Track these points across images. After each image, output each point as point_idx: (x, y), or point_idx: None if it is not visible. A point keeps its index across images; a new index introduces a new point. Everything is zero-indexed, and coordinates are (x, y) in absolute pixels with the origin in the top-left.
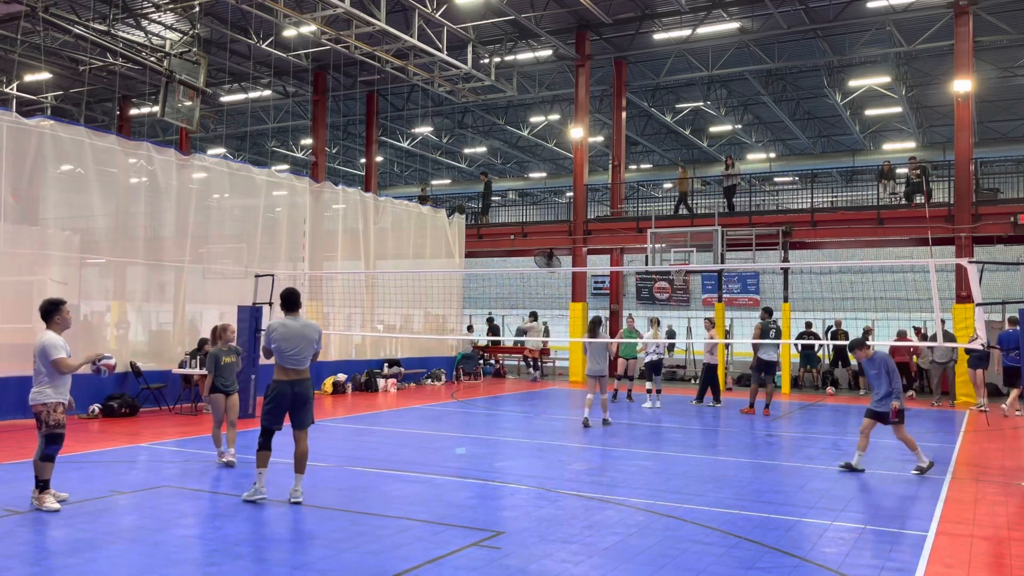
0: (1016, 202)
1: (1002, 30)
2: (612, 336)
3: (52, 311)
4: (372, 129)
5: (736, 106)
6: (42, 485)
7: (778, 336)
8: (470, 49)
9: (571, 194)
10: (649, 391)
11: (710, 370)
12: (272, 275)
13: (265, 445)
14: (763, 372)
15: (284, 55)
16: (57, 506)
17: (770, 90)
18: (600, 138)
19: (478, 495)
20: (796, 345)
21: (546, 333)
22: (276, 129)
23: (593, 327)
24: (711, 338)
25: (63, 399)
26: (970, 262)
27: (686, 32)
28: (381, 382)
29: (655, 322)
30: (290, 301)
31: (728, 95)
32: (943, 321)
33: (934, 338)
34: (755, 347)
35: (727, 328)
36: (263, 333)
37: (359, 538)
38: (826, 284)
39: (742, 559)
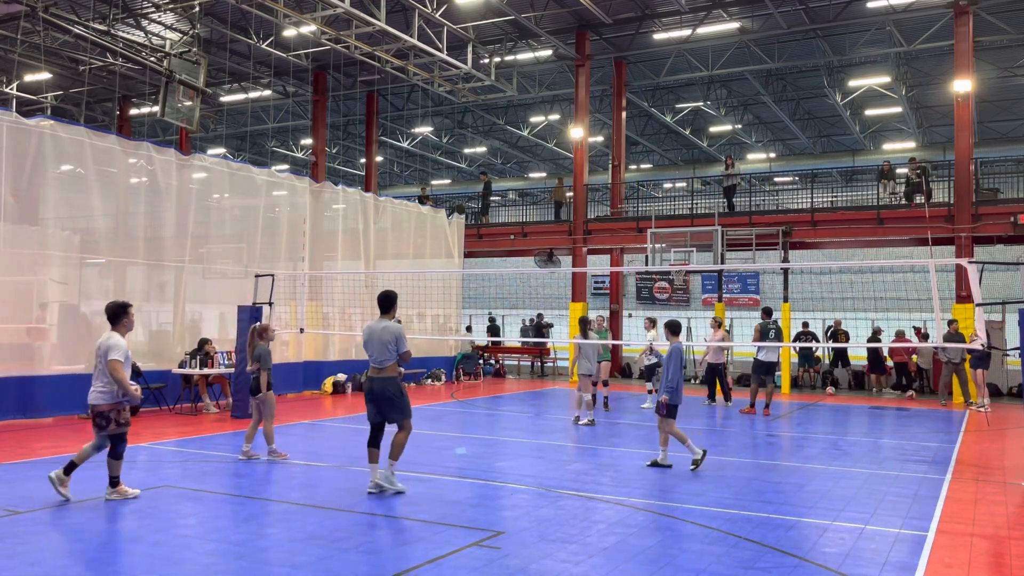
0: (1016, 202)
1: (1002, 30)
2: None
3: (119, 314)
4: (372, 129)
5: (736, 106)
6: (114, 481)
7: (778, 336)
8: (470, 49)
9: (571, 194)
10: (650, 391)
11: (715, 369)
12: (272, 275)
13: (370, 442)
14: (763, 372)
15: (284, 55)
16: (136, 491)
17: (770, 90)
18: (600, 138)
19: (478, 495)
20: (794, 347)
21: (547, 333)
22: (276, 129)
23: (583, 326)
24: (720, 339)
25: (127, 399)
26: (970, 262)
27: (686, 32)
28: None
29: (652, 322)
30: (383, 305)
31: (728, 95)
32: (953, 322)
33: (945, 337)
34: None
35: (727, 328)
36: None
37: (359, 538)
38: (826, 284)
39: (742, 559)
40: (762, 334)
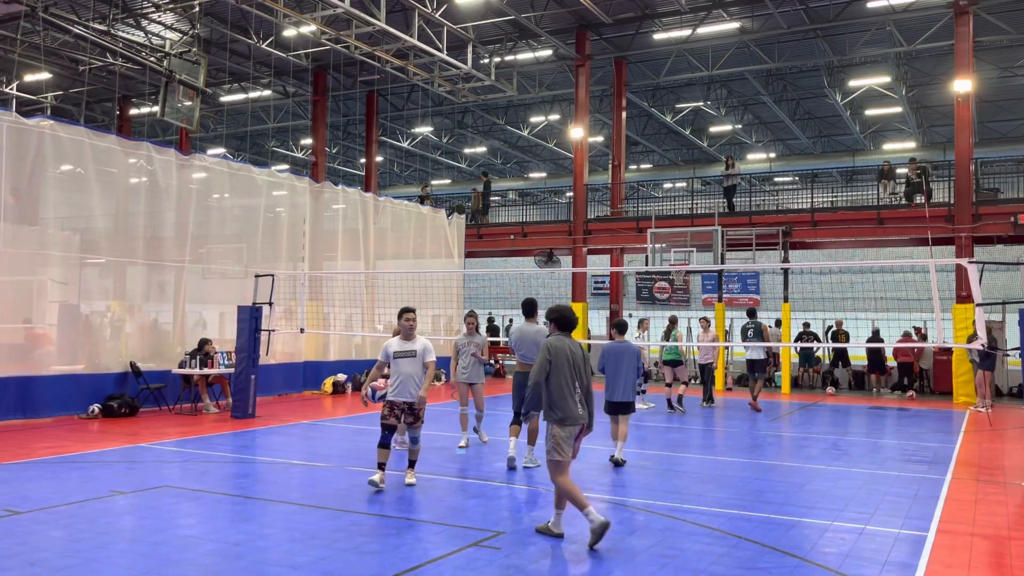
0: (1016, 202)
1: (1002, 30)
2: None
3: (399, 317)
4: (372, 129)
5: (736, 106)
6: (410, 464)
7: (756, 335)
8: (470, 49)
9: (571, 194)
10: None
11: (703, 370)
12: (272, 275)
13: (514, 420)
14: (748, 370)
15: (284, 55)
16: (414, 480)
17: (770, 90)
18: (600, 138)
19: (478, 495)
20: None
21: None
22: (276, 129)
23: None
24: (712, 339)
25: (396, 397)
26: (970, 262)
27: (686, 32)
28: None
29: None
30: (527, 310)
31: (728, 95)
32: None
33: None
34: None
35: (727, 328)
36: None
37: (359, 538)
38: (826, 284)
39: (742, 559)
40: (742, 334)
